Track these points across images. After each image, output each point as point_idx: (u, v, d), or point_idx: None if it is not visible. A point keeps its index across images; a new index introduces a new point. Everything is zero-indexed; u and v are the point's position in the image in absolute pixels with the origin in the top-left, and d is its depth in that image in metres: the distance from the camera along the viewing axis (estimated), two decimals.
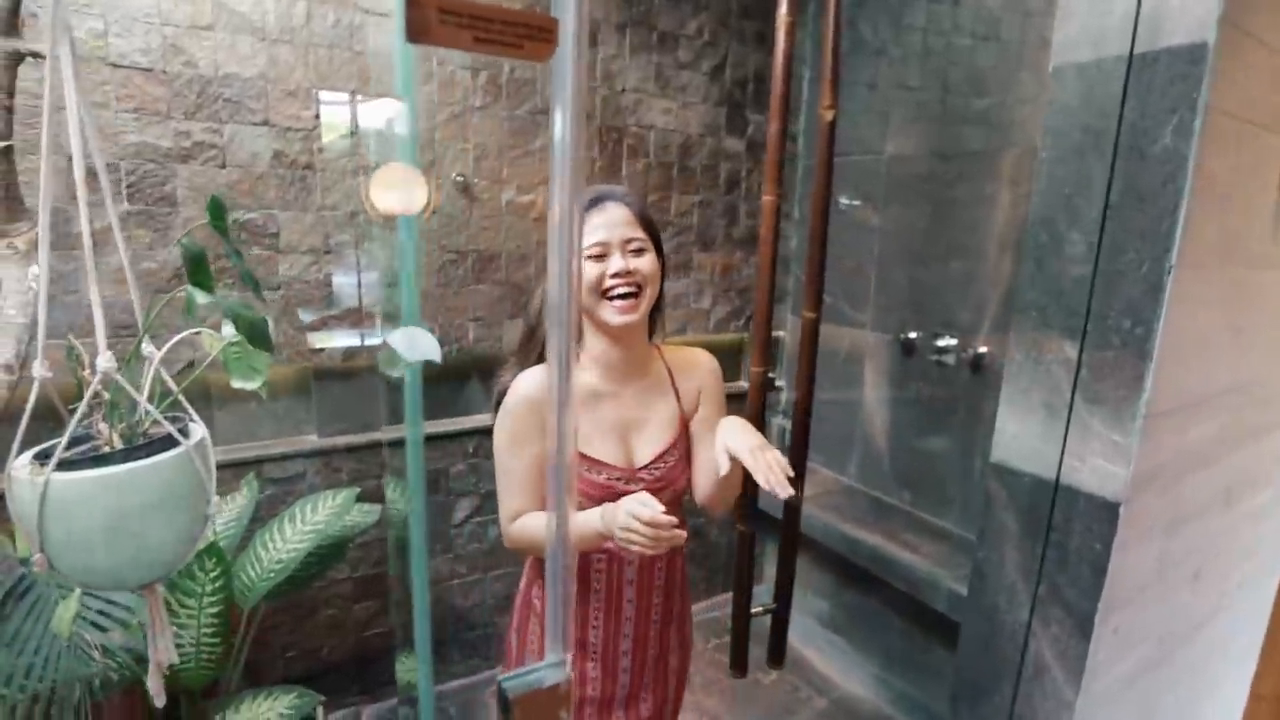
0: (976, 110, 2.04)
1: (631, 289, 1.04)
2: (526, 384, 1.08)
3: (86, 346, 0.87)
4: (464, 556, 2.22)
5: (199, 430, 0.94)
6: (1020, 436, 1.25)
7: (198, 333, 1.02)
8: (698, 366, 1.20)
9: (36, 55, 1.02)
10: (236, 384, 0.98)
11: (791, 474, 0.95)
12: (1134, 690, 1.36)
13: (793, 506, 1.74)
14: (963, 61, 2.07)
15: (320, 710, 1.59)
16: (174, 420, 0.93)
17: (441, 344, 1.97)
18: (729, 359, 2.66)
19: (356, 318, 1.92)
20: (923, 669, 2.19)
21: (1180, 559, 1.33)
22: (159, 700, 1.00)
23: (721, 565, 2.81)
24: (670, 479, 1.14)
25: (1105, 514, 1.13)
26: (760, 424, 1.65)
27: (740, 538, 1.71)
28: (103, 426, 0.91)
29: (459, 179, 1.99)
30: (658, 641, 1.20)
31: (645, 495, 0.95)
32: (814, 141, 1.61)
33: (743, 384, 2.57)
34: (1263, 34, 1.08)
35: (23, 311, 1.08)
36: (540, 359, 1.13)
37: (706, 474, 1.15)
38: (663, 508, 0.92)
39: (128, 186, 1.62)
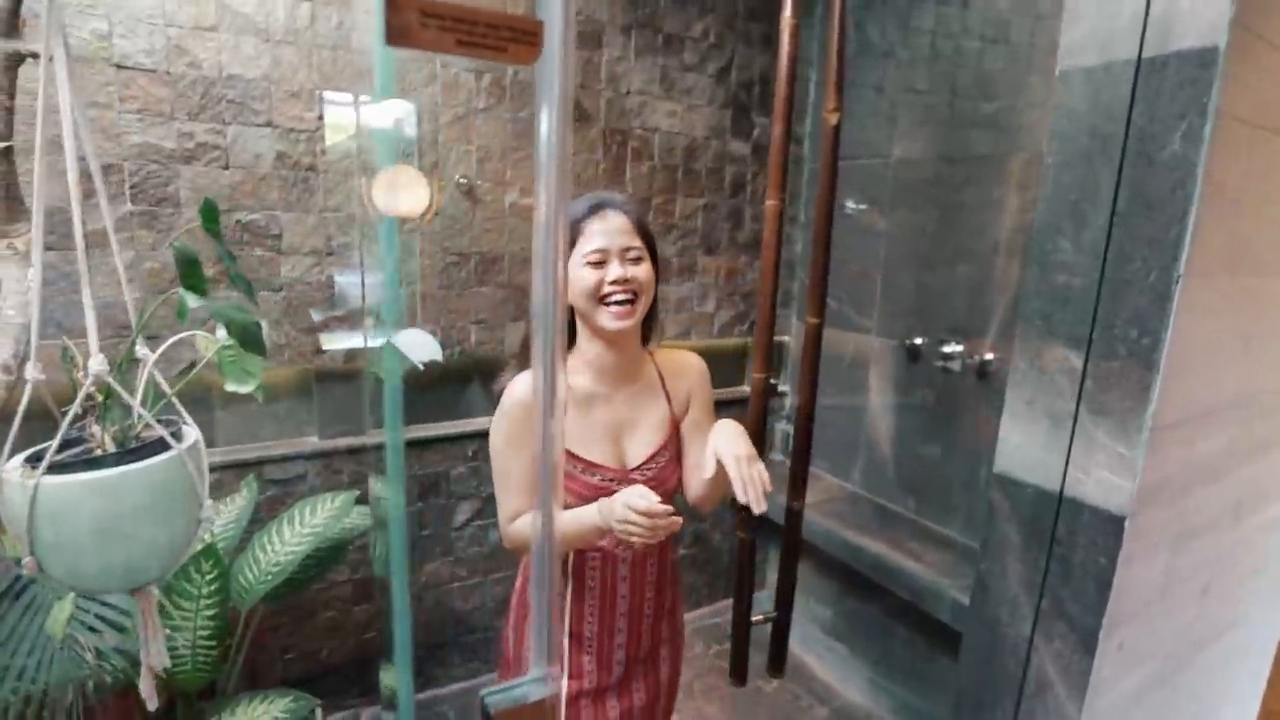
0: (985, 114, 2.02)
1: (628, 296, 1.06)
2: (523, 386, 1.10)
3: (86, 348, 0.86)
4: (464, 560, 2.21)
5: (192, 433, 0.93)
6: (1024, 447, 1.23)
7: (193, 335, 1.02)
8: (688, 369, 1.23)
9: (37, 56, 1.02)
10: (230, 387, 0.97)
11: (770, 490, 0.98)
12: (1140, 707, 1.34)
13: (794, 512, 1.72)
14: (971, 65, 2.05)
15: (319, 712, 1.59)
16: (168, 423, 0.92)
17: (443, 346, 1.97)
18: (733, 364, 2.64)
19: (357, 319, 1.92)
20: (926, 679, 2.16)
21: (1188, 574, 1.31)
22: (151, 704, 1.00)
23: (723, 571, 2.79)
24: (662, 479, 1.17)
25: (1110, 527, 1.11)
26: (761, 429, 1.64)
27: (740, 544, 1.70)
28: (96, 429, 0.90)
29: (462, 181, 1.98)
30: (650, 634, 1.24)
31: (641, 488, 0.99)
32: (819, 145, 1.59)
33: (745, 389, 2.55)
34: (1275, 37, 1.06)
35: (22, 312, 1.08)
36: None
37: (697, 474, 1.19)
38: (658, 498, 0.96)
39: (131, 187, 1.62)
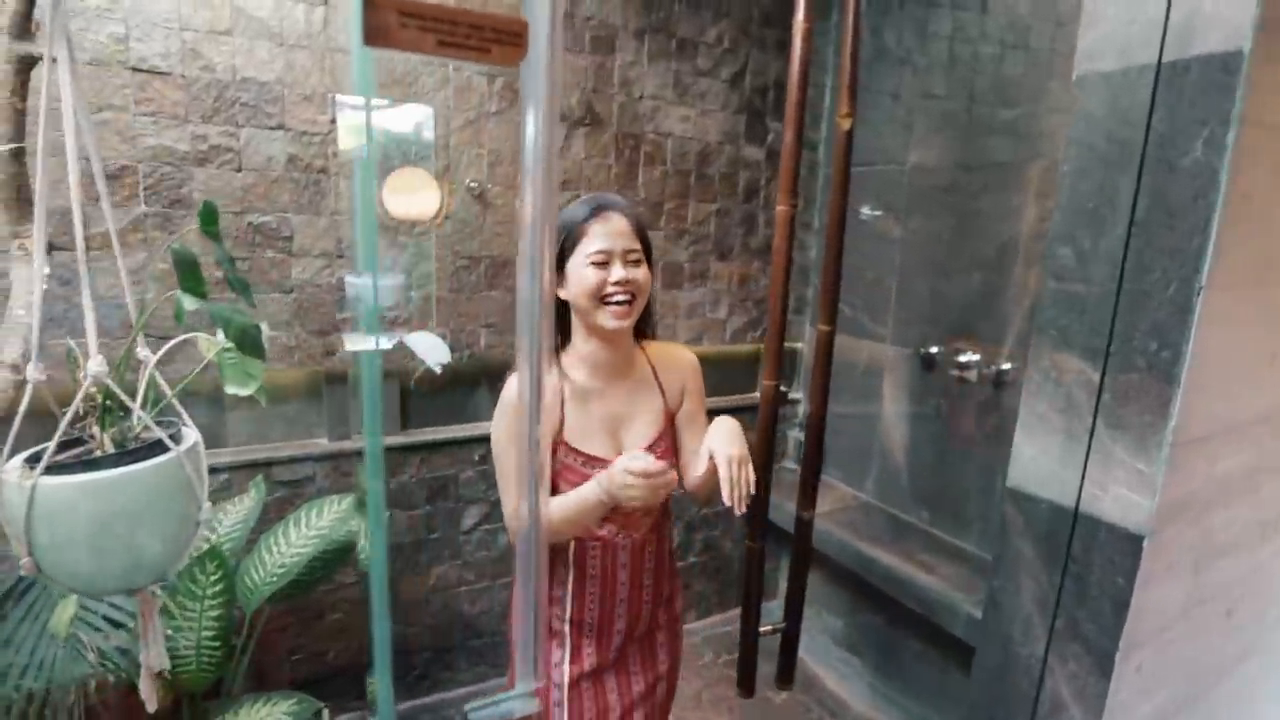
0: (1003, 120, 1.98)
1: (627, 297, 1.10)
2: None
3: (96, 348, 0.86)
4: (472, 564, 2.20)
5: (191, 435, 0.93)
6: (1038, 460, 1.19)
7: (195, 337, 1.02)
8: (680, 363, 1.27)
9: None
10: (230, 389, 0.97)
11: (753, 493, 1.03)
12: None
13: (805, 521, 1.70)
14: (989, 70, 2.01)
15: (325, 714, 1.58)
16: (169, 425, 0.92)
17: (453, 350, 1.97)
18: (745, 371, 2.61)
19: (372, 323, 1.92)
20: (938, 694, 2.12)
21: (1211, 596, 1.26)
22: (150, 705, 1.00)
23: (734, 579, 2.76)
24: None
25: (1128, 546, 1.07)
26: (771, 437, 1.62)
27: (749, 553, 1.67)
28: (96, 430, 0.91)
29: (473, 185, 1.98)
30: (648, 619, 1.29)
31: (635, 451, 1.06)
32: (833, 150, 1.57)
33: (757, 396, 2.53)
34: None
35: (32, 312, 1.09)
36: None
37: (692, 465, 1.24)
38: (651, 458, 1.00)
39: (145, 189, 1.64)
